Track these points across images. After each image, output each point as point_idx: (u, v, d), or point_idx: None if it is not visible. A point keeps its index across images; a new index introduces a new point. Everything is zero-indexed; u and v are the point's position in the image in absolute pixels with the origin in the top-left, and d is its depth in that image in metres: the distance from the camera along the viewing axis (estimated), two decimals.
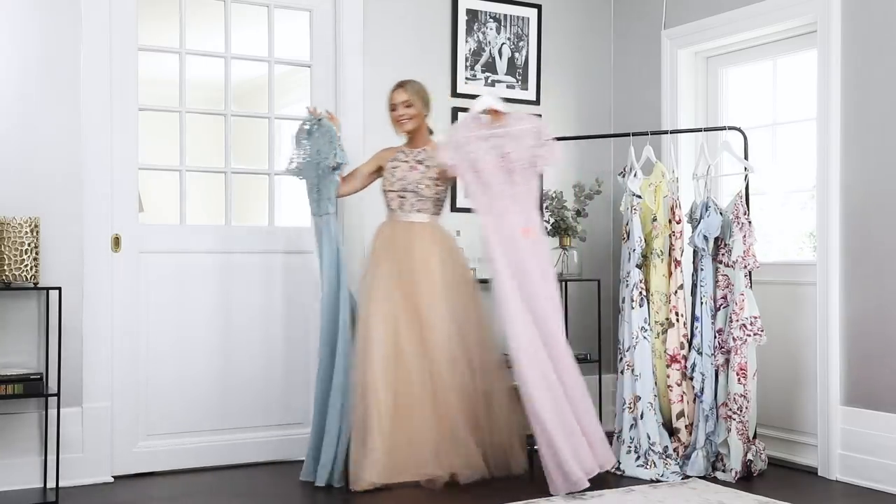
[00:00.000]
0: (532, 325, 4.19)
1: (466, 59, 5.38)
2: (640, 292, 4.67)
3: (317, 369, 4.44)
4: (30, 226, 4.04)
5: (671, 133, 5.13)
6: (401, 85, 4.51)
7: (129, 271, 4.54)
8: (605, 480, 4.43)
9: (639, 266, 4.71)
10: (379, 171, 4.58)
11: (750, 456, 4.46)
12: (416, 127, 4.52)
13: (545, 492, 4.17)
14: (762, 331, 4.47)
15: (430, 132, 4.59)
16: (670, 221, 4.73)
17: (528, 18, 5.58)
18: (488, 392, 4.42)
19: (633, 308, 4.65)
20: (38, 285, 4.14)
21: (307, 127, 4.51)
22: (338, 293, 4.37)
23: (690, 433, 4.64)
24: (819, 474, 4.51)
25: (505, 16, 5.51)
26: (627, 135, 4.98)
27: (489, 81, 5.45)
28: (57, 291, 4.15)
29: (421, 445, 4.22)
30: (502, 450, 4.43)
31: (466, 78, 5.38)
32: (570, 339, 5.57)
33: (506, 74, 5.50)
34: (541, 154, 4.30)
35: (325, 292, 4.39)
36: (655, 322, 4.71)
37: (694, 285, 4.70)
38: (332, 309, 4.38)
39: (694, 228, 4.67)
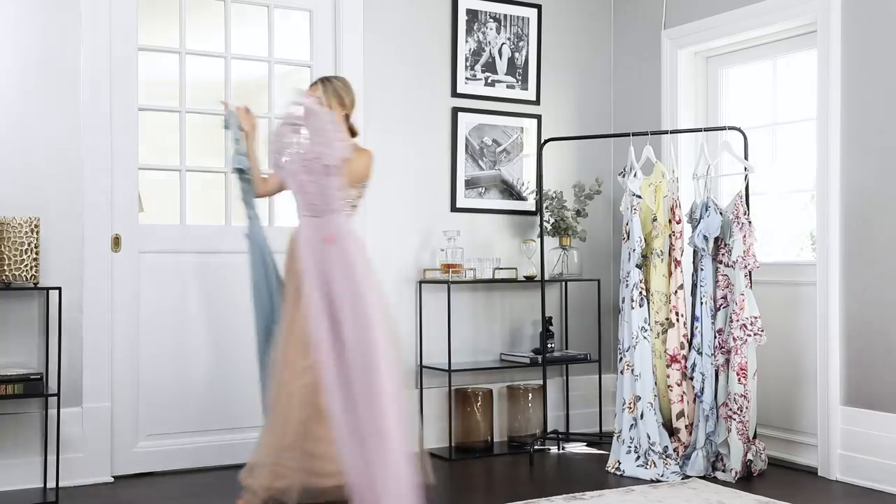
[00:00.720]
0: (331, 336, 3.68)
1: (466, 59, 5.38)
2: (640, 292, 4.67)
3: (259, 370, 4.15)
4: (30, 226, 4.04)
5: (671, 133, 5.13)
6: (320, 81, 4.15)
7: (129, 271, 4.54)
8: (605, 481, 4.44)
9: (639, 266, 4.71)
10: None
11: (750, 456, 4.46)
12: None
13: (542, 493, 4.17)
14: (762, 331, 4.47)
15: (354, 133, 4.13)
16: (670, 221, 4.73)
17: (528, 18, 5.58)
18: None
19: (633, 308, 4.65)
20: (38, 285, 4.14)
21: (223, 121, 4.17)
22: (270, 294, 4.11)
23: (690, 433, 4.64)
24: (819, 474, 4.51)
25: (505, 16, 5.50)
26: (627, 135, 4.99)
27: (489, 81, 5.44)
28: (57, 291, 4.15)
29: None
30: None
31: (466, 78, 5.38)
32: (569, 338, 5.63)
33: (506, 74, 5.50)
34: (324, 151, 3.78)
35: (254, 291, 4.13)
36: (655, 322, 4.71)
37: (694, 285, 4.70)
38: (266, 313, 4.12)
39: (694, 228, 4.67)
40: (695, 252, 4.71)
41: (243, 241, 4.18)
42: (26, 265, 4.03)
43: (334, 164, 3.79)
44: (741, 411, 4.45)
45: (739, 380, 4.45)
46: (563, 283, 5.55)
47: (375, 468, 3.52)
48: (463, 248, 5.12)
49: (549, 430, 5.25)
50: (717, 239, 4.64)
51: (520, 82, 5.55)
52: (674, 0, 5.43)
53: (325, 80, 4.12)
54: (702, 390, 4.58)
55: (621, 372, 4.69)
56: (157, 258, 4.62)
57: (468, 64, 5.39)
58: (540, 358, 5.20)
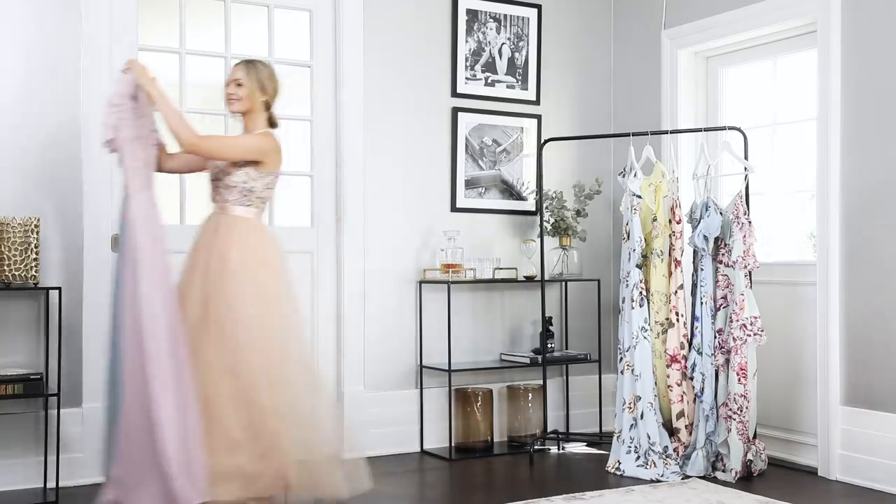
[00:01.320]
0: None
1: (466, 59, 5.38)
2: (640, 292, 4.67)
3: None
4: (30, 226, 4.04)
5: (671, 133, 5.13)
6: (243, 63, 3.95)
7: None
8: (605, 481, 4.44)
9: (639, 266, 4.71)
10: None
11: (750, 456, 4.46)
12: (246, 110, 3.95)
13: (542, 493, 4.17)
14: (762, 331, 4.47)
15: (273, 124, 3.98)
16: (670, 221, 4.73)
17: (528, 18, 5.58)
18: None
19: (633, 308, 4.65)
20: (38, 285, 4.14)
21: None
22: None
23: (690, 433, 4.64)
24: (819, 474, 4.51)
25: (505, 16, 5.50)
26: (627, 135, 4.98)
27: (489, 81, 5.44)
28: (57, 291, 4.15)
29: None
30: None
31: (466, 78, 5.38)
32: (569, 338, 5.62)
33: (506, 74, 5.50)
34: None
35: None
36: (655, 322, 4.71)
37: (694, 285, 4.70)
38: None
39: (694, 228, 4.67)
40: (695, 252, 4.71)
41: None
42: (26, 265, 4.03)
43: (105, 136, 3.67)
44: (741, 411, 4.45)
45: (739, 380, 4.45)
46: (563, 283, 5.55)
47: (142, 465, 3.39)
48: (463, 248, 5.12)
49: (549, 430, 5.25)
50: (717, 239, 4.64)
51: (520, 82, 5.55)
52: (674, 0, 5.43)
53: (248, 63, 3.95)
54: (702, 390, 4.58)
55: (621, 372, 4.69)
56: None
57: (468, 64, 5.38)
58: (540, 358, 5.20)
